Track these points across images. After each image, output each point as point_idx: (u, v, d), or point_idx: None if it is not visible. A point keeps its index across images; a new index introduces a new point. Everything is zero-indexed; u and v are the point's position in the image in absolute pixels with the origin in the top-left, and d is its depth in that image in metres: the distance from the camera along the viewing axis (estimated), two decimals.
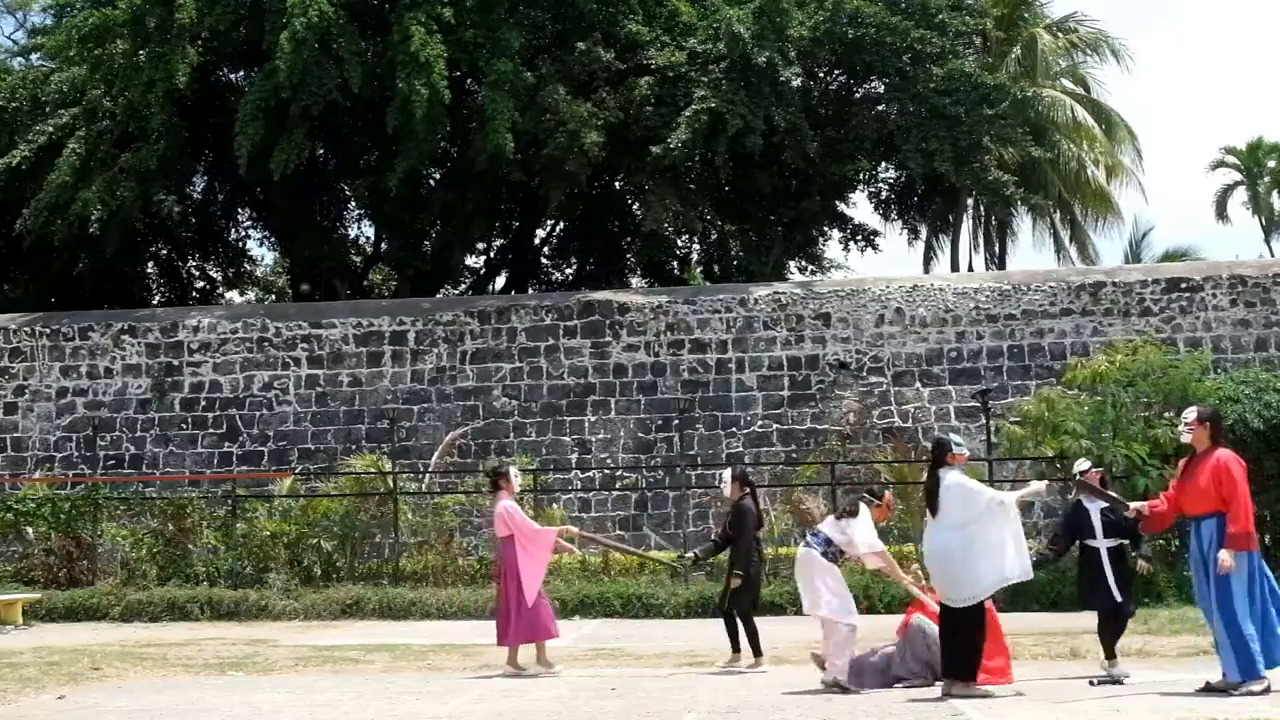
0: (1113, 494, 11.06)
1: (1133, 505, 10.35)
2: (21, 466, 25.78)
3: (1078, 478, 11.10)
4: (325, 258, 31.45)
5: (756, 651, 11.77)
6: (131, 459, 25.74)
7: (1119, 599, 10.66)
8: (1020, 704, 9.35)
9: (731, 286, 27.14)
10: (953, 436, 10.14)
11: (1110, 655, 10.63)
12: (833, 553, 10.70)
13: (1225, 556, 9.45)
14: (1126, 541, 10.91)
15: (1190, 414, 10.04)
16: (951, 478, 9.86)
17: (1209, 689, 9.52)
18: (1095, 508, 10.90)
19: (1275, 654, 9.50)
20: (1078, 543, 11.08)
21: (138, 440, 25.88)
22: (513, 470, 12.68)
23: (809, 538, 11.00)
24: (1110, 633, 10.70)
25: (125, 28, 27.01)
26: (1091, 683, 10.31)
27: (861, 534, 10.66)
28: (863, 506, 10.86)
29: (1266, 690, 9.30)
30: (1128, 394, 18.43)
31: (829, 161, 29.29)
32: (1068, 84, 36.00)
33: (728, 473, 12.58)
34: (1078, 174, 34.22)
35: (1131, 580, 10.98)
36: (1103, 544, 10.78)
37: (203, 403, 25.93)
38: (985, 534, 9.67)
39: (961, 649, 9.64)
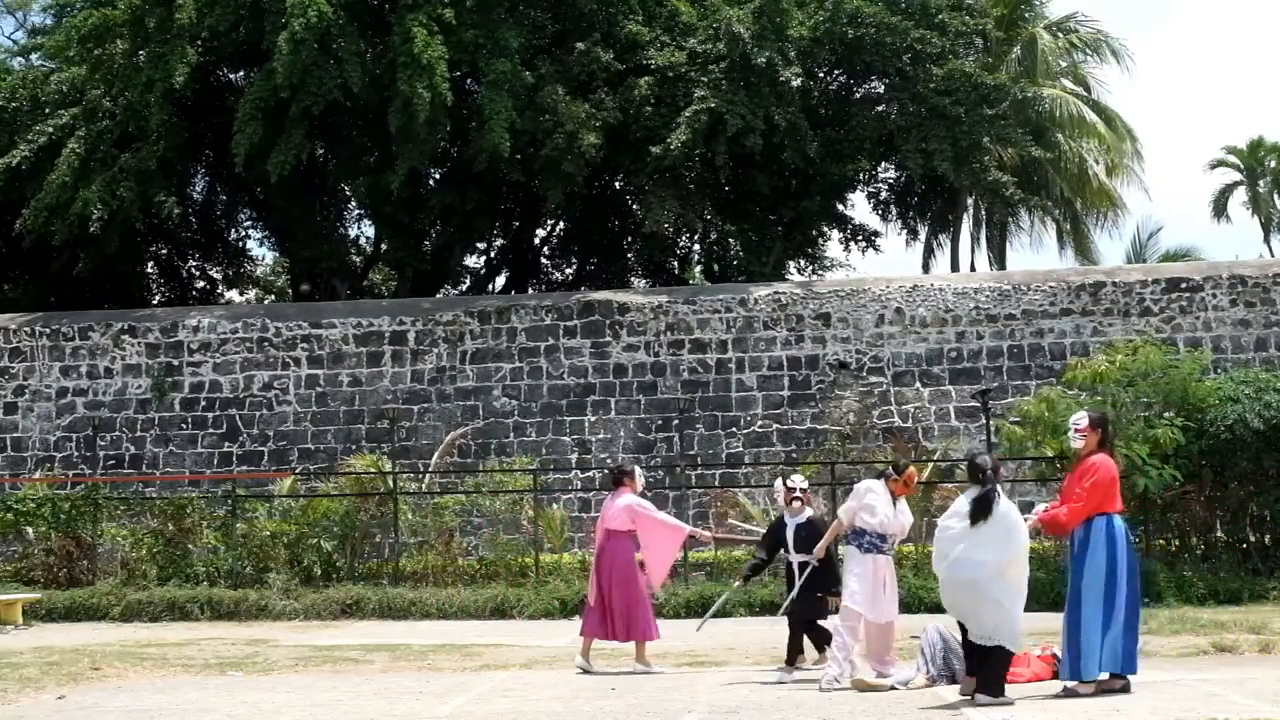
0: (812, 512, 11.79)
1: (1027, 519, 10.01)
2: (21, 466, 25.78)
3: (792, 490, 11.65)
4: (325, 258, 31.45)
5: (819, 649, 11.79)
6: (131, 459, 25.74)
7: (799, 606, 11.32)
8: (1021, 704, 9.34)
9: (731, 286, 27.14)
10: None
11: (791, 660, 11.24)
12: (867, 543, 10.62)
13: (1032, 519, 9.66)
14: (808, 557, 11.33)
15: (1081, 420, 9.87)
16: (1008, 504, 9.54)
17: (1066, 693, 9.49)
18: (794, 523, 11.59)
19: (1116, 661, 9.47)
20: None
21: (138, 440, 25.88)
22: (638, 469, 12.94)
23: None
24: (794, 638, 11.36)
25: (125, 28, 27.04)
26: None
27: (847, 503, 10.97)
28: (870, 481, 10.98)
29: (1095, 693, 9.36)
30: (1128, 394, 18.41)
31: (829, 161, 29.29)
32: (1068, 84, 35.97)
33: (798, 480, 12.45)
34: (1079, 172, 34.20)
35: (814, 595, 11.32)
36: (795, 558, 11.48)
37: (203, 403, 25.94)
38: (1019, 578, 9.45)
39: (992, 665, 9.54)
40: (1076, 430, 9.86)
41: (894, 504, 10.74)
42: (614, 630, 12.09)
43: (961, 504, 9.52)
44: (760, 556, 12.04)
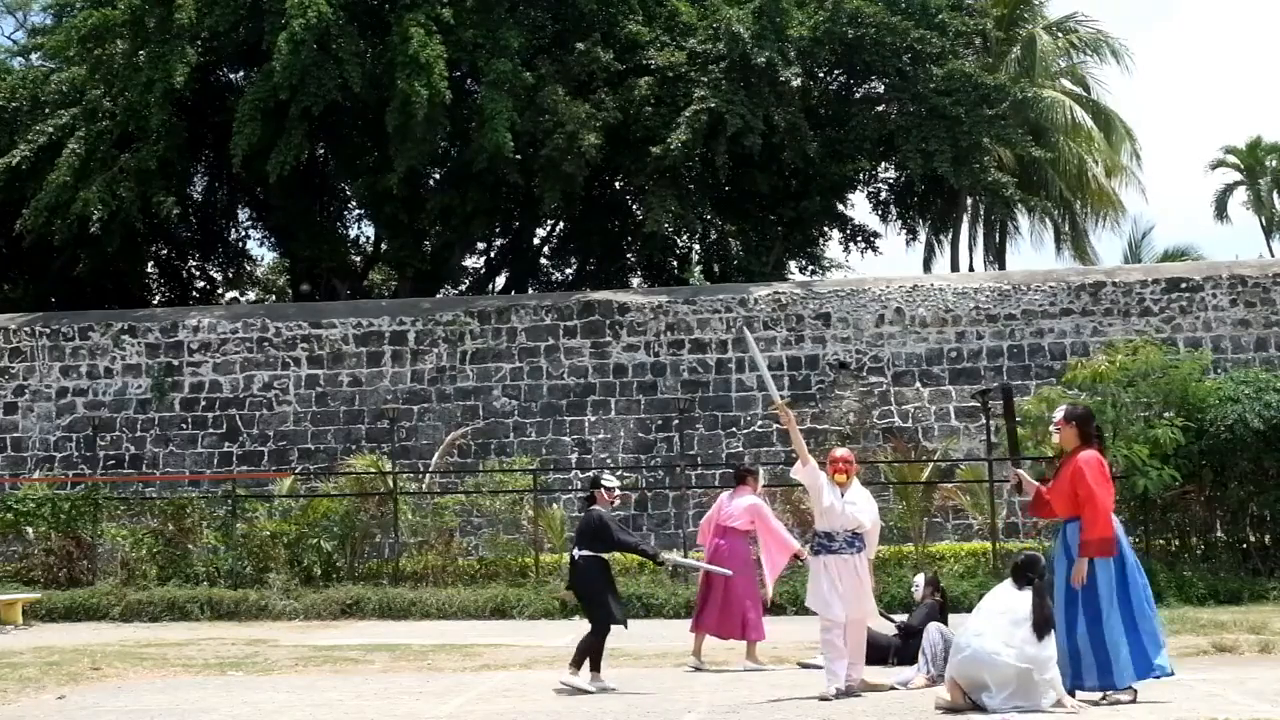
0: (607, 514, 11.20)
1: (1028, 480, 9.95)
2: (21, 466, 25.78)
3: (612, 490, 11.32)
4: (325, 258, 31.44)
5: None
6: (131, 459, 25.73)
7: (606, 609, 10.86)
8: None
9: (731, 286, 27.14)
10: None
11: (576, 666, 10.65)
12: (816, 544, 10.34)
13: (1079, 567, 9.21)
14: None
15: (1058, 413, 9.83)
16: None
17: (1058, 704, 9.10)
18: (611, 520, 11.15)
19: (1150, 662, 9.24)
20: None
21: (138, 440, 25.87)
22: (761, 469, 13.17)
23: None
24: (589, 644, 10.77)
25: (125, 28, 27.01)
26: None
27: None
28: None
29: (1134, 700, 9.13)
30: (1128, 394, 18.42)
31: (829, 161, 29.28)
32: (1067, 84, 35.99)
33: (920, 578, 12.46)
34: (1078, 173, 34.23)
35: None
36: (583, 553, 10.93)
37: (203, 403, 25.94)
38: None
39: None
40: (1053, 424, 9.85)
41: (840, 496, 10.14)
42: (732, 627, 12.24)
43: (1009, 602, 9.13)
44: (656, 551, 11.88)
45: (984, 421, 21.42)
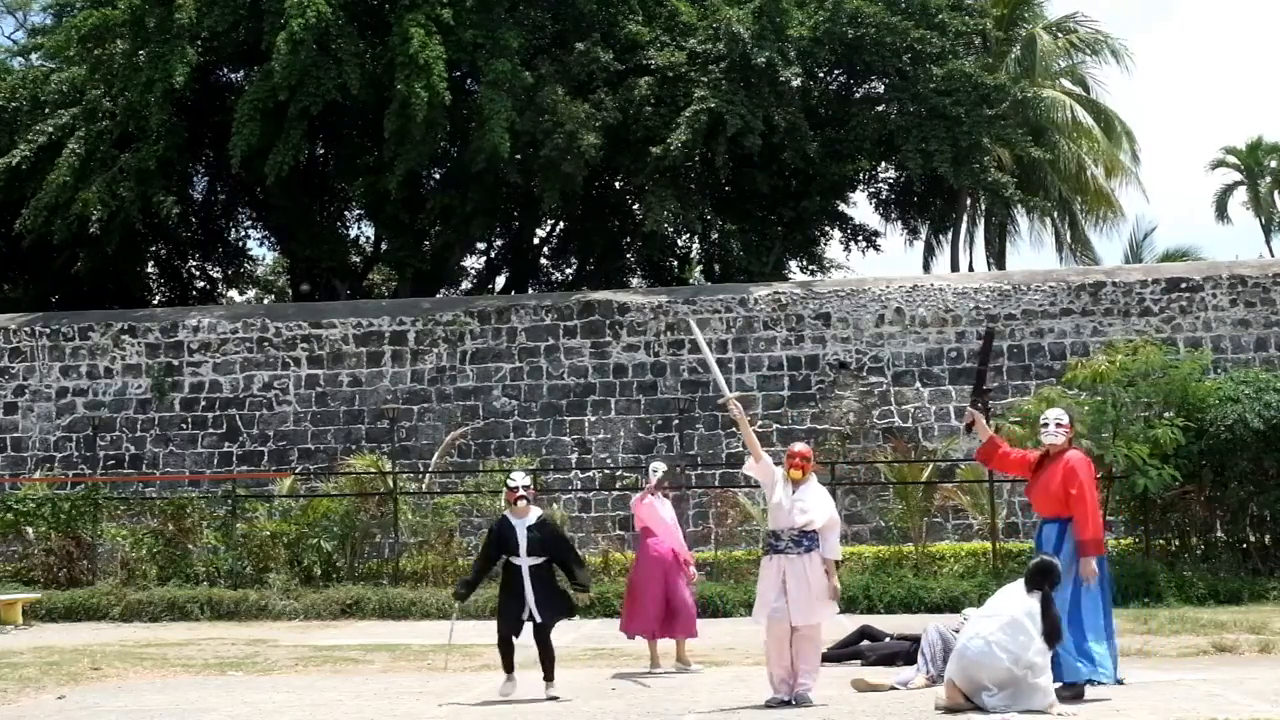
0: (541, 511, 10.85)
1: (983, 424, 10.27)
2: (21, 466, 25.77)
3: (516, 490, 10.63)
4: (325, 258, 31.45)
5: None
6: (131, 459, 25.73)
7: (538, 618, 10.37)
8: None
9: (731, 286, 27.13)
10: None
11: (548, 678, 10.39)
12: (766, 544, 9.94)
13: (1088, 565, 9.33)
14: (544, 559, 10.49)
15: (1062, 416, 10.02)
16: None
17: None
18: (523, 525, 10.49)
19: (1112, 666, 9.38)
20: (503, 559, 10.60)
21: (138, 440, 25.87)
22: (653, 465, 13.00)
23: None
24: (543, 654, 10.44)
25: (125, 28, 27.03)
26: (1091, 683, 10.26)
27: None
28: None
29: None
30: (1128, 394, 18.41)
31: (829, 161, 29.29)
32: (1067, 84, 35.98)
33: None
34: (1078, 174, 34.23)
35: (557, 597, 10.61)
36: (526, 563, 10.37)
37: (203, 403, 25.93)
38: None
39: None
40: (1059, 425, 9.94)
41: (791, 493, 9.74)
42: (675, 627, 12.15)
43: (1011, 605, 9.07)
44: (476, 570, 10.87)
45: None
